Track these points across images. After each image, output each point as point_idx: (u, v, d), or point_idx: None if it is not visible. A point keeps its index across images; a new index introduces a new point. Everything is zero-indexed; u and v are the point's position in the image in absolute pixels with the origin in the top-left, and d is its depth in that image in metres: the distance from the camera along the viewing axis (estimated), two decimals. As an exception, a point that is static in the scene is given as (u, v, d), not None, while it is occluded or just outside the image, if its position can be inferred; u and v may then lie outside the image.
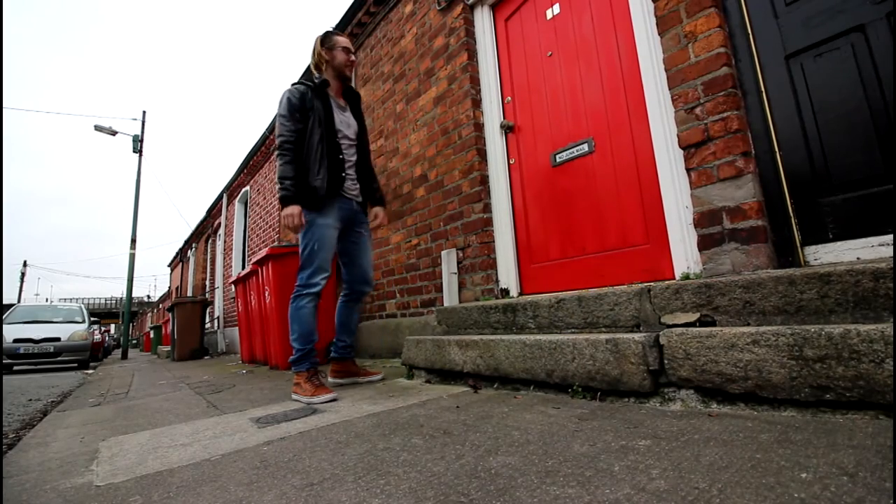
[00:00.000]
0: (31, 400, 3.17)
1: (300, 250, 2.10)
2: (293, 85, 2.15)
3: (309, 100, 2.10)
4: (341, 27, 4.39)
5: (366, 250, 2.33)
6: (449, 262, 2.98)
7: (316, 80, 2.16)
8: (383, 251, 3.74)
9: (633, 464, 0.86)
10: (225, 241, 9.34)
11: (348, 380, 2.28)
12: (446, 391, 1.86)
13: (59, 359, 7.78)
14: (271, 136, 6.58)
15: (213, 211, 10.43)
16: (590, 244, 2.37)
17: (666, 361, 1.31)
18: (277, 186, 2.06)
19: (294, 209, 2.01)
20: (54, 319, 8.83)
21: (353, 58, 2.25)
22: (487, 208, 2.85)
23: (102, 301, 53.65)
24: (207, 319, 8.25)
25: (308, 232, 2.08)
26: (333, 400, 1.87)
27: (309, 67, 2.37)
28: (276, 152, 2.07)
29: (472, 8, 3.13)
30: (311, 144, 2.07)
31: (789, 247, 1.66)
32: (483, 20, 3.08)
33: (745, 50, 1.79)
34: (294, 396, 1.97)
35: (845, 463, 0.76)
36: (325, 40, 2.22)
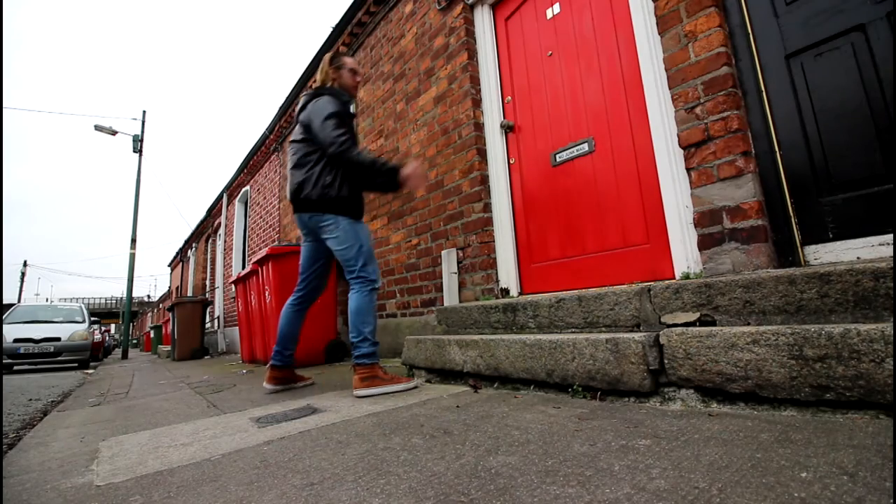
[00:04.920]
0: (31, 400, 3.17)
1: (351, 248, 2.06)
2: (335, 93, 2.19)
3: (348, 110, 2.18)
4: (341, 27, 4.39)
5: None
6: (449, 261, 2.98)
7: (345, 98, 2.21)
8: (383, 251, 3.74)
9: (633, 463, 0.86)
10: (225, 241, 9.33)
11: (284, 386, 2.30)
12: (446, 391, 1.86)
13: (59, 359, 7.77)
14: (271, 136, 6.58)
15: (213, 211, 10.42)
16: (590, 244, 2.37)
17: (666, 361, 1.31)
18: (377, 164, 2.05)
19: (413, 163, 2.11)
20: (54, 319, 8.82)
21: (358, 79, 2.32)
22: (487, 208, 2.85)
23: (102, 301, 53.65)
24: (207, 319, 8.25)
25: (358, 233, 2.10)
26: (416, 387, 1.98)
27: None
28: (339, 151, 2.02)
29: (472, 7, 3.13)
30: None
31: (789, 246, 1.66)
32: (483, 20, 3.07)
33: (745, 49, 1.79)
34: (370, 391, 1.89)
35: (845, 462, 0.76)
36: (334, 60, 2.29)
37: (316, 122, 2.07)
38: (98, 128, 10.89)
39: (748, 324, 1.32)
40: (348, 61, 2.29)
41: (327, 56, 2.32)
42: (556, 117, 2.59)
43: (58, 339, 7.81)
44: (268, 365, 2.29)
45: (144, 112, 11.43)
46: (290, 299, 2.32)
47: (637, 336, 1.36)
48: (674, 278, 1.96)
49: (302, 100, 2.26)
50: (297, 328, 2.30)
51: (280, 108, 6.07)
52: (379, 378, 1.93)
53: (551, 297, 1.92)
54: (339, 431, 1.34)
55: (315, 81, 2.34)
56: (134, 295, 12.18)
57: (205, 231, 11.58)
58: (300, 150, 2.16)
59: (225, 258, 9.29)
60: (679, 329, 1.32)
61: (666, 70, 1.96)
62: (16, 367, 7.89)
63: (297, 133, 2.22)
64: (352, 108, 2.38)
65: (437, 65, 3.29)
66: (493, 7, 3.06)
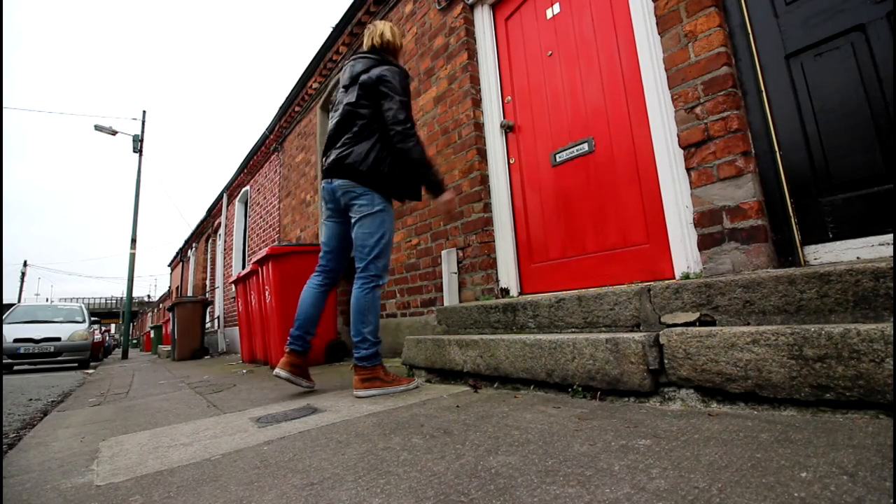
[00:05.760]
0: (31, 400, 3.17)
1: (372, 235, 1.98)
2: (404, 71, 2.08)
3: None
4: (341, 27, 4.39)
5: None
6: (449, 261, 2.98)
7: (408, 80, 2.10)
8: (383, 251, 3.73)
9: (633, 463, 0.86)
10: (225, 241, 9.33)
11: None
12: (446, 391, 1.86)
13: (59, 359, 7.77)
14: (271, 136, 6.58)
15: (214, 211, 10.42)
16: (590, 244, 2.37)
17: (666, 361, 1.31)
18: (423, 170, 2.00)
19: (451, 194, 2.06)
20: (54, 319, 8.82)
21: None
22: (487, 208, 2.85)
23: (102, 301, 53.65)
24: (208, 319, 8.25)
25: (385, 222, 2.01)
26: (417, 387, 1.99)
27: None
28: (399, 130, 1.95)
29: (472, 7, 3.13)
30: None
31: (789, 246, 1.66)
32: (483, 20, 3.07)
33: (745, 49, 1.79)
34: (369, 392, 1.87)
35: (845, 462, 0.76)
36: (400, 35, 2.27)
37: (388, 94, 1.98)
38: (98, 128, 10.89)
39: (748, 324, 1.32)
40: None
41: (395, 26, 2.24)
42: (556, 117, 2.59)
43: (58, 339, 7.81)
44: (286, 349, 2.10)
45: (144, 112, 11.44)
46: (314, 280, 2.17)
47: (637, 336, 1.36)
48: (674, 278, 1.96)
49: (360, 63, 2.09)
50: (320, 310, 2.15)
51: (280, 108, 6.07)
52: (380, 379, 1.91)
53: (551, 297, 1.92)
54: (339, 431, 1.34)
55: (373, 43, 2.19)
56: (134, 295, 12.18)
57: (205, 231, 11.58)
58: (356, 116, 2.02)
59: (225, 258, 9.28)
60: (679, 329, 1.32)
61: (666, 70, 1.96)
62: (16, 367, 7.88)
63: (351, 94, 2.06)
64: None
65: (437, 65, 3.29)
66: (493, 7, 3.06)
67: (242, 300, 4.82)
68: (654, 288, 1.57)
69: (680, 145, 1.90)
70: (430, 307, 3.17)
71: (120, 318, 44.88)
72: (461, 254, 2.96)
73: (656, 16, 2.01)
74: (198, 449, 1.28)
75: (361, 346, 1.95)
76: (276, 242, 6.26)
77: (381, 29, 2.19)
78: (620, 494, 0.74)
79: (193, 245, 13.14)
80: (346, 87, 2.12)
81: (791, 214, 1.66)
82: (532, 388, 1.67)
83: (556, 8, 2.63)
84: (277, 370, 2.07)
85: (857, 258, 1.50)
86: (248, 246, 8.01)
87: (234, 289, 6.08)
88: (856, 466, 0.74)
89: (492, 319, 2.18)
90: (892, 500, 0.62)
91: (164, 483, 1.01)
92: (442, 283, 3.02)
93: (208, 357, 6.93)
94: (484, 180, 2.88)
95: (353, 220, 2.03)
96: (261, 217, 7.26)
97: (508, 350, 1.73)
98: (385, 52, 2.17)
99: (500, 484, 0.83)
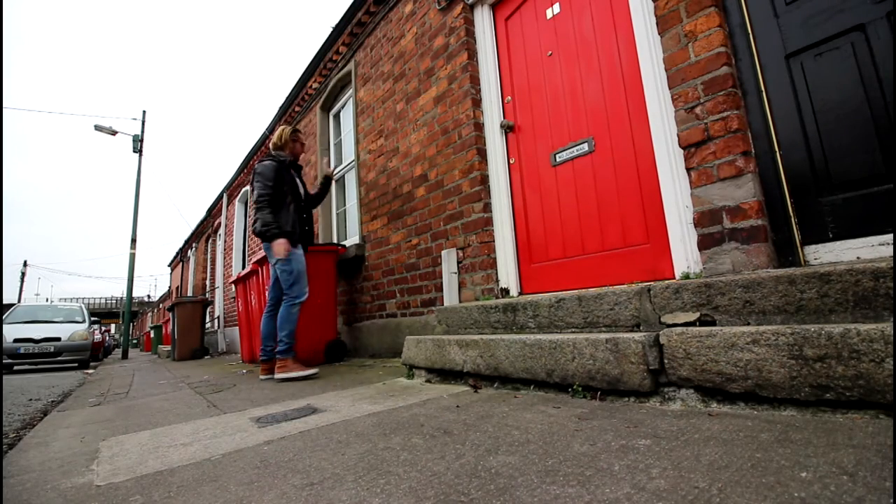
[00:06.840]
0: (31, 400, 3.17)
1: (286, 274, 2.84)
2: (269, 158, 2.98)
3: (282, 171, 2.96)
4: (341, 27, 4.39)
5: None
6: (449, 261, 2.98)
7: (282, 158, 3.03)
8: (383, 251, 3.74)
9: (633, 463, 0.86)
10: (225, 241, 9.33)
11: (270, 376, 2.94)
12: (446, 391, 1.86)
13: (59, 359, 7.77)
14: (270, 136, 6.57)
15: (214, 211, 10.42)
16: (590, 244, 2.37)
17: (666, 361, 1.31)
18: (263, 229, 2.82)
19: (283, 240, 2.82)
20: (54, 319, 8.82)
21: (301, 149, 3.26)
22: (487, 208, 2.85)
23: (102, 301, 53.63)
24: (208, 319, 8.25)
25: (292, 260, 2.86)
26: (316, 374, 2.77)
27: (266, 137, 3.31)
28: (256, 205, 2.86)
29: (472, 7, 3.13)
30: (284, 203, 2.93)
31: (789, 246, 1.66)
32: (483, 20, 3.07)
33: (745, 49, 1.79)
34: (286, 375, 2.70)
35: (845, 462, 0.76)
36: (293, 134, 3.17)
37: (256, 181, 2.90)
38: (98, 128, 10.89)
39: (748, 324, 1.32)
40: (301, 136, 3.22)
41: (288, 129, 3.14)
42: (556, 117, 2.58)
43: (58, 339, 7.81)
44: (260, 359, 2.97)
45: (144, 112, 11.43)
46: (265, 309, 3.07)
47: (637, 336, 1.36)
48: (674, 278, 1.96)
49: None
50: (274, 328, 3.00)
51: (280, 107, 6.06)
52: (286, 368, 2.73)
53: (551, 296, 1.92)
54: (339, 431, 1.34)
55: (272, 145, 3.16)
56: (134, 295, 12.19)
57: (205, 231, 11.58)
58: (255, 200, 2.93)
59: (225, 258, 9.28)
60: (679, 329, 1.32)
61: (666, 70, 1.96)
62: (16, 367, 7.89)
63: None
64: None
65: (437, 65, 3.29)
66: (493, 7, 3.06)
67: (242, 300, 4.82)
68: (655, 288, 1.57)
69: (680, 145, 1.90)
70: (430, 307, 3.17)
71: (120, 318, 44.87)
72: (461, 254, 2.96)
73: (656, 16, 2.01)
74: (198, 449, 1.28)
75: (281, 343, 2.78)
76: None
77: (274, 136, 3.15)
78: (620, 494, 0.74)
79: (193, 245, 13.14)
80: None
81: (791, 214, 1.66)
82: (532, 388, 1.67)
83: (556, 8, 2.63)
84: (260, 376, 2.95)
85: (857, 258, 1.50)
86: (248, 246, 8.01)
87: (234, 289, 6.08)
88: (856, 466, 0.74)
89: (492, 319, 2.18)
90: (892, 500, 0.62)
91: (165, 483, 1.01)
92: (442, 283, 3.02)
93: (208, 357, 6.93)
94: (484, 180, 2.88)
95: (271, 265, 2.96)
96: (261, 217, 7.24)
97: (508, 350, 1.73)
98: (279, 150, 3.10)
99: (500, 484, 0.83)
